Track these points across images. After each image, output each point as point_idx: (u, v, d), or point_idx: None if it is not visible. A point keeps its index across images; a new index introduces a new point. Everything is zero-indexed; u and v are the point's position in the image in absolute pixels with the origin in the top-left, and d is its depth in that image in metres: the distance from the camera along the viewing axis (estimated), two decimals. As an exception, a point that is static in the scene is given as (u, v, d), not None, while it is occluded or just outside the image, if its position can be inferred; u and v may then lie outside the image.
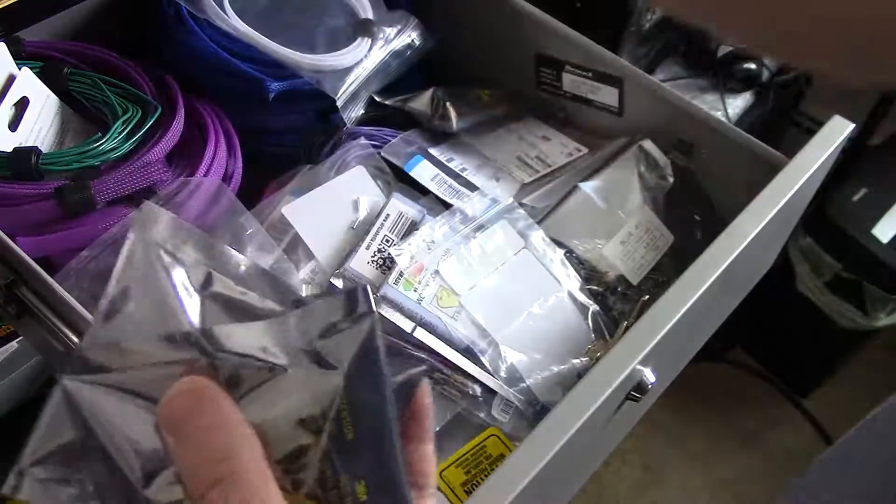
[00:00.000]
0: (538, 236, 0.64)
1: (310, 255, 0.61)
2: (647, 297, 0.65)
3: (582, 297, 0.63)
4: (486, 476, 0.56)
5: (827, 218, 1.20)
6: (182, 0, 0.66)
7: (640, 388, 0.50)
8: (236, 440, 0.26)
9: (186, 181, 0.59)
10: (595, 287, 0.64)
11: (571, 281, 0.63)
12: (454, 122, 0.71)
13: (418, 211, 0.64)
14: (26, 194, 0.56)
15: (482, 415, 0.58)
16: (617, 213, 0.67)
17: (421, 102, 0.72)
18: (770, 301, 1.24)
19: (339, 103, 0.68)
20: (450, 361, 0.57)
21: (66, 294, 0.51)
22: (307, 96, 0.69)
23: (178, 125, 0.62)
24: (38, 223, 0.56)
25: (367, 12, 0.72)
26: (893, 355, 1.47)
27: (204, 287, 0.29)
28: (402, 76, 0.74)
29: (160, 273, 0.28)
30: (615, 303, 0.65)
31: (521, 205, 0.66)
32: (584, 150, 0.73)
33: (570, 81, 0.73)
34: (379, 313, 0.44)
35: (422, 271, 0.60)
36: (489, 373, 0.58)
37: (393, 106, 0.72)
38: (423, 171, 0.68)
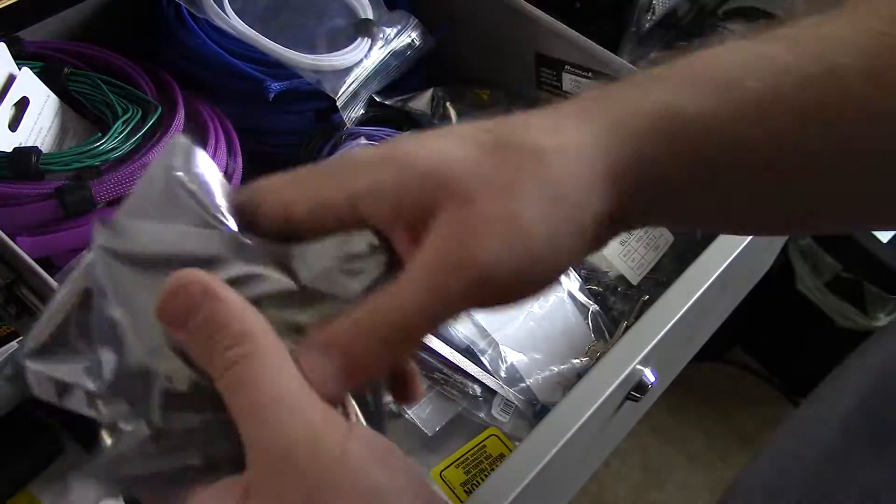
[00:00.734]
0: (538, 236, 0.64)
1: (310, 255, 0.61)
2: (647, 297, 0.65)
3: (582, 297, 0.63)
4: (486, 476, 0.56)
5: (827, 218, 1.20)
6: (182, 0, 0.66)
7: (640, 388, 0.50)
8: (247, 325, 0.25)
9: (186, 181, 0.59)
10: (595, 287, 0.64)
11: (571, 281, 0.63)
12: (454, 122, 0.71)
13: (418, 211, 0.64)
14: (26, 194, 0.56)
15: (482, 415, 0.58)
16: (617, 213, 0.67)
17: (421, 102, 0.72)
18: (770, 301, 1.24)
19: (339, 103, 0.68)
20: (450, 361, 0.57)
21: (66, 294, 0.50)
22: (307, 96, 0.69)
23: (178, 125, 0.62)
24: (38, 223, 0.56)
25: (367, 12, 0.72)
26: (893, 355, 1.47)
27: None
28: (402, 76, 0.74)
29: (180, 192, 0.28)
30: (615, 303, 0.65)
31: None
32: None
33: (570, 81, 0.73)
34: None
35: (422, 271, 0.60)
36: (489, 373, 0.58)
37: (393, 106, 0.72)
38: (423, 171, 0.68)
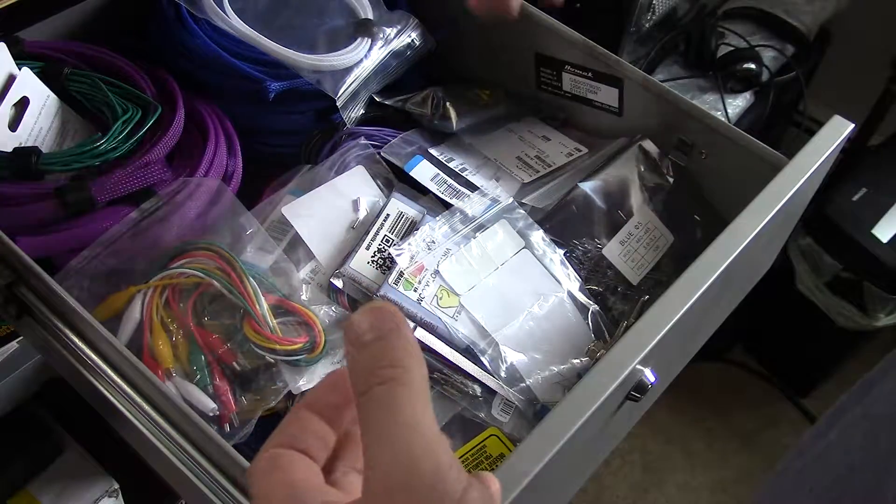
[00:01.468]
0: (538, 236, 0.64)
1: (310, 255, 0.61)
2: (647, 297, 0.65)
3: (582, 297, 0.63)
4: (486, 476, 0.56)
5: (827, 218, 1.20)
6: (182, 0, 0.66)
7: (640, 388, 0.50)
8: (412, 358, 0.27)
9: (186, 181, 0.59)
10: (595, 287, 0.64)
11: (571, 281, 0.63)
12: (454, 122, 0.71)
13: (418, 211, 0.64)
14: (26, 194, 0.56)
15: (482, 415, 0.58)
16: (617, 213, 0.67)
17: (421, 102, 0.72)
18: (770, 301, 1.24)
19: (339, 103, 0.68)
20: (450, 361, 0.57)
21: (66, 294, 0.51)
22: (307, 96, 0.69)
23: (178, 125, 0.62)
24: (38, 223, 0.56)
25: (367, 12, 0.72)
26: (893, 355, 1.47)
27: None
28: (402, 76, 0.74)
29: None
30: (615, 303, 0.65)
31: (521, 205, 0.66)
32: (584, 150, 0.73)
33: (570, 81, 0.73)
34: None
35: (422, 271, 0.60)
36: (489, 373, 0.58)
37: (393, 106, 0.72)
38: (423, 171, 0.68)
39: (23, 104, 0.60)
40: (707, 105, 1.16)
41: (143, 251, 0.57)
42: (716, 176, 0.69)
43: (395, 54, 0.72)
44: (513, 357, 0.58)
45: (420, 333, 0.57)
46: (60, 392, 0.75)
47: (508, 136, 0.74)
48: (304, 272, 0.60)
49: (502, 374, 0.58)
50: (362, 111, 0.71)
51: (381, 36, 0.71)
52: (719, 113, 1.16)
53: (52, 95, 0.62)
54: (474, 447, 0.57)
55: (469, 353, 0.58)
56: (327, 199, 0.63)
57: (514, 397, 0.58)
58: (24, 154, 0.57)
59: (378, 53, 0.71)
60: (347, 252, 0.61)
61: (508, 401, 0.58)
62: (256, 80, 0.66)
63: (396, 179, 0.67)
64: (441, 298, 0.59)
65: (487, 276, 0.61)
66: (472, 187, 0.68)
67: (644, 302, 0.65)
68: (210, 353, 0.55)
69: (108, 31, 0.69)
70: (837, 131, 0.61)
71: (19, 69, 0.60)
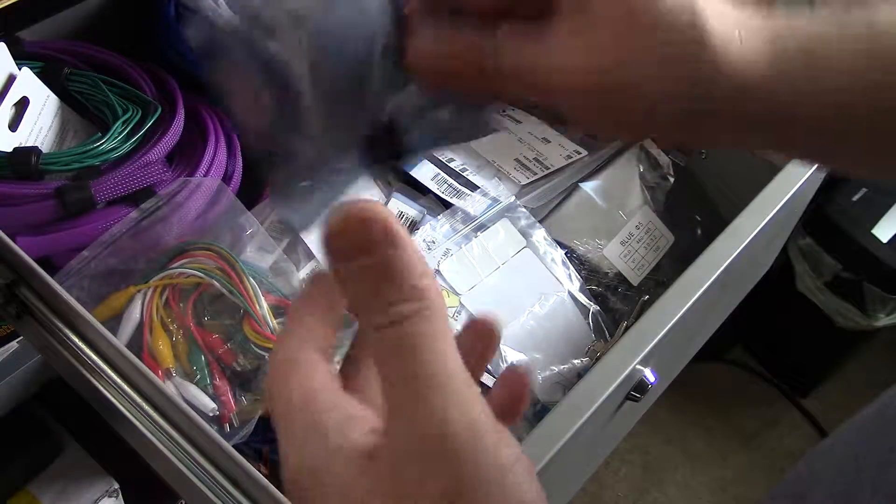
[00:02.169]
0: (539, 235, 0.64)
1: (310, 255, 0.61)
2: (647, 297, 0.65)
3: (582, 297, 0.63)
4: (486, 476, 0.56)
5: (827, 218, 1.20)
6: (182, 0, 0.66)
7: (640, 388, 0.50)
8: (423, 281, 0.22)
9: (186, 181, 0.59)
10: (595, 287, 0.64)
11: (572, 281, 0.63)
12: (454, 122, 0.71)
13: (418, 211, 0.64)
14: (26, 194, 0.56)
15: (482, 415, 0.58)
16: (617, 213, 0.67)
17: (421, 102, 0.72)
18: (770, 301, 1.24)
19: (340, 103, 0.67)
20: (450, 361, 0.57)
21: (66, 294, 0.51)
22: (307, 96, 0.69)
23: (178, 125, 0.62)
24: (38, 223, 0.56)
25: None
26: (893, 355, 1.47)
27: None
28: (402, 76, 0.73)
29: None
30: (615, 303, 0.65)
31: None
32: (584, 152, 0.73)
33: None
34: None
35: (422, 271, 0.60)
36: (489, 373, 0.58)
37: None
38: (423, 171, 0.68)
39: (23, 104, 0.60)
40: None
41: (143, 251, 0.57)
42: (716, 176, 0.69)
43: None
44: (513, 357, 0.58)
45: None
46: (60, 392, 0.75)
47: (508, 137, 0.74)
48: (304, 272, 0.60)
49: (502, 374, 0.58)
50: (362, 111, 0.71)
51: (381, 36, 0.71)
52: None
53: (52, 95, 0.62)
54: (474, 447, 0.57)
55: (469, 353, 0.58)
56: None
57: (515, 397, 0.58)
58: (24, 154, 0.57)
59: (378, 53, 0.71)
60: (347, 252, 0.61)
61: (508, 401, 0.58)
62: (256, 80, 0.66)
63: (396, 179, 0.67)
64: (441, 298, 0.59)
65: (488, 275, 0.61)
66: (473, 187, 0.67)
67: (644, 302, 0.65)
68: (210, 353, 0.55)
69: (108, 31, 0.69)
70: (837, 131, 0.61)
71: (19, 69, 0.60)
